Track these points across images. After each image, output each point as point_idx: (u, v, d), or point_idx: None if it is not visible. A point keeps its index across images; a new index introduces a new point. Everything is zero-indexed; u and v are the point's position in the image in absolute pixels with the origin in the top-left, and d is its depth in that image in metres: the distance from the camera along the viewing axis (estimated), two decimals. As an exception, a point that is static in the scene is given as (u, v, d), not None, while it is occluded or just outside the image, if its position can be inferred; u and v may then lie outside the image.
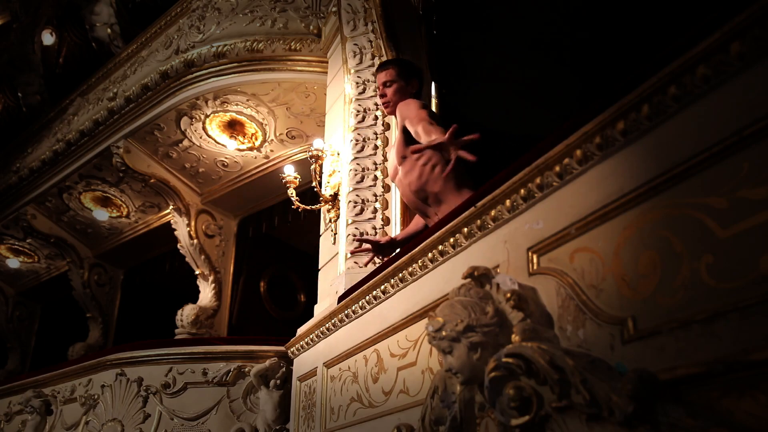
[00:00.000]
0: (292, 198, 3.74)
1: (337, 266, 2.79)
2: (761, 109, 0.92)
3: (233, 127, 4.64)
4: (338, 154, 3.29)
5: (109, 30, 5.97)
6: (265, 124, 4.59)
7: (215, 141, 4.78)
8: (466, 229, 1.56)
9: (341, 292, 2.36)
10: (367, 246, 2.38)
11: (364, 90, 3.08)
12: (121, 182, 5.40)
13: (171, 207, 5.24)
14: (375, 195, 2.81)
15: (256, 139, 4.74)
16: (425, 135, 1.97)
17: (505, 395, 1.15)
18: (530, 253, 1.34)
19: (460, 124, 1.79)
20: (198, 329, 4.83)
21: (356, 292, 2.12)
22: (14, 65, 6.67)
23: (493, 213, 1.47)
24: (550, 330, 1.22)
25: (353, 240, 2.57)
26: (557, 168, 1.27)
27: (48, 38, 6.43)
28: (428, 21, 3.37)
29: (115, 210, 5.86)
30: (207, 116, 4.54)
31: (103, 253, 6.47)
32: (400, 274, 1.86)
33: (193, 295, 5.18)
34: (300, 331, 2.72)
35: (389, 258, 1.97)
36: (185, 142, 4.83)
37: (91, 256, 6.47)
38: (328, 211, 3.32)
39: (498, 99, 4.09)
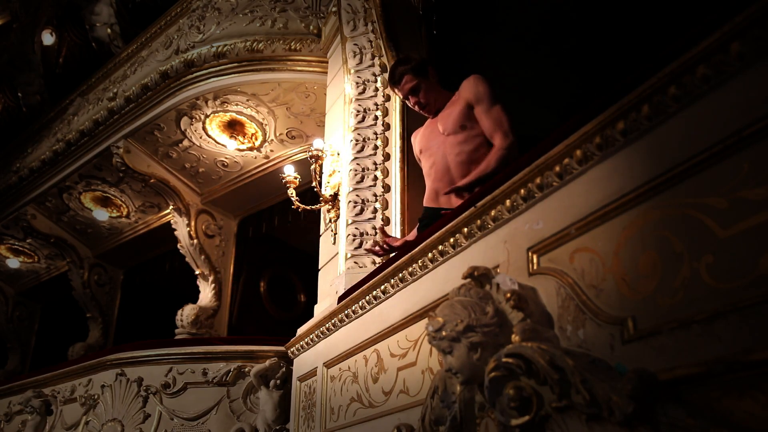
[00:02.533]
0: (292, 198, 3.74)
1: (337, 266, 2.79)
2: (761, 109, 0.92)
3: (233, 127, 4.64)
4: (338, 154, 3.29)
5: (109, 30, 5.97)
6: (265, 124, 4.59)
7: (215, 141, 4.78)
8: (466, 229, 1.56)
9: (341, 292, 2.36)
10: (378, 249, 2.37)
11: (364, 90, 3.08)
12: (121, 182, 5.40)
13: (171, 207, 5.24)
14: (375, 195, 2.81)
15: (256, 139, 4.74)
16: (501, 122, 2.19)
17: (505, 395, 1.15)
18: (530, 253, 1.34)
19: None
20: (198, 329, 4.82)
21: (356, 292, 2.12)
22: (14, 65, 6.66)
23: (493, 213, 1.47)
24: (550, 330, 1.22)
25: (372, 246, 2.47)
26: (557, 168, 1.27)
27: (48, 38, 6.43)
28: (428, 21, 3.37)
29: (115, 210, 5.86)
30: (207, 116, 4.54)
31: (103, 253, 6.47)
32: (400, 274, 1.86)
33: (193, 295, 5.17)
34: (300, 331, 2.71)
35: (389, 258, 1.97)
36: (185, 142, 4.83)
37: (91, 256, 6.47)
38: (328, 211, 3.32)
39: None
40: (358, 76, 3.12)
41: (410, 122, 3.08)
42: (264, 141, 4.76)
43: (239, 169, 5.13)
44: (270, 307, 5.41)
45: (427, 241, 1.71)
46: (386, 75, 3.11)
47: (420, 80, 2.38)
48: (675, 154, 1.04)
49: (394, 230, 2.72)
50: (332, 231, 3.22)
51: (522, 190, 1.37)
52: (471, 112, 2.25)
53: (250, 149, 4.85)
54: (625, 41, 3.64)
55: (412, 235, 2.41)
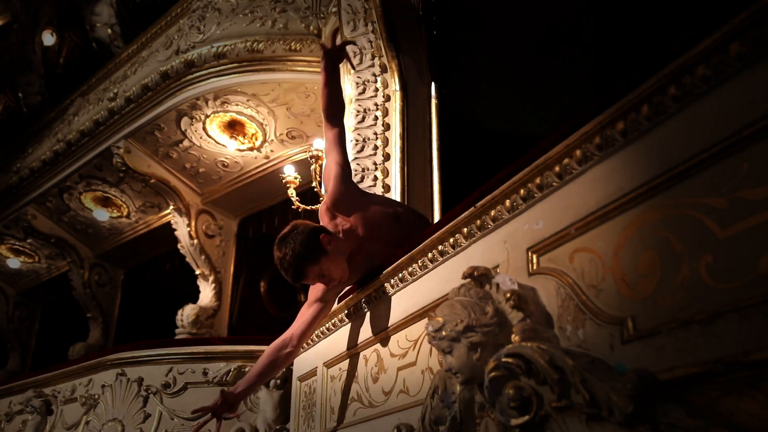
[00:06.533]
0: (292, 198, 3.74)
1: (337, 266, 2.78)
2: (761, 109, 0.92)
3: (233, 127, 4.64)
4: (338, 154, 3.29)
5: (109, 30, 5.98)
6: (266, 125, 4.60)
7: (215, 141, 4.78)
8: (465, 229, 1.56)
9: (341, 292, 2.36)
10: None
11: (364, 90, 3.09)
12: (122, 182, 5.41)
13: (171, 207, 5.25)
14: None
15: (256, 139, 4.75)
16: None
17: (504, 395, 1.15)
18: (530, 253, 1.34)
19: (460, 125, 1.79)
20: (198, 329, 4.83)
21: (356, 292, 2.12)
22: (15, 65, 6.67)
23: (492, 213, 1.47)
24: (549, 330, 1.22)
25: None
26: (557, 168, 1.27)
27: (48, 38, 6.44)
28: (428, 21, 3.37)
29: (116, 210, 5.86)
30: (207, 116, 4.55)
31: (103, 253, 6.48)
32: (400, 274, 1.86)
33: (193, 295, 5.18)
34: (300, 331, 2.71)
35: (389, 258, 1.97)
36: (185, 143, 4.83)
37: (91, 256, 6.48)
38: (329, 211, 3.32)
39: (498, 99, 4.09)
40: (358, 77, 3.12)
41: (410, 122, 3.09)
42: (264, 141, 4.76)
43: (239, 170, 5.13)
44: (270, 307, 5.41)
45: (427, 241, 1.71)
46: (386, 75, 3.12)
47: (322, 262, 1.93)
48: (675, 154, 1.04)
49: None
50: (332, 231, 3.21)
51: (522, 190, 1.37)
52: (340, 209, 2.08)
53: (251, 149, 4.85)
54: (626, 41, 3.65)
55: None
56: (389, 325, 1.92)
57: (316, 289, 2.14)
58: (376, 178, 2.87)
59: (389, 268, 1.90)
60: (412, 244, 1.80)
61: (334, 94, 2.15)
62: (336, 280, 2.01)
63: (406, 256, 1.81)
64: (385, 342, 1.96)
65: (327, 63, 2.14)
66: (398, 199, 2.86)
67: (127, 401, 3.32)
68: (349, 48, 3.21)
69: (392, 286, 1.92)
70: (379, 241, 2.07)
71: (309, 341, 2.58)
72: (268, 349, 2.15)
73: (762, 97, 0.92)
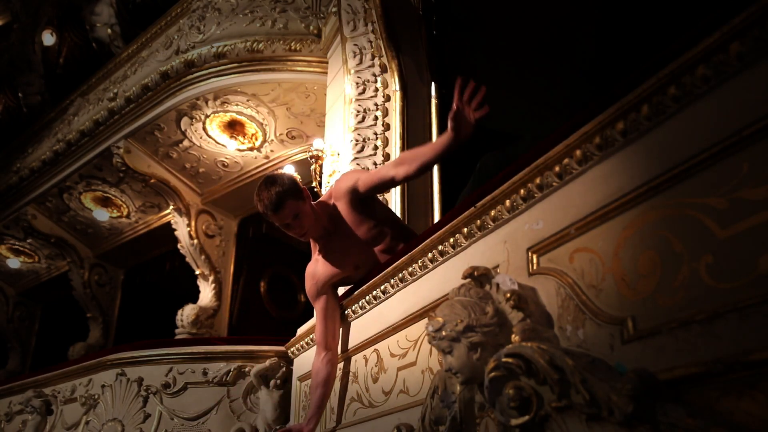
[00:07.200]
0: (292, 198, 3.73)
1: (337, 266, 2.78)
2: (761, 109, 0.92)
3: (233, 127, 4.64)
4: (338, 154, 3.30)
5: (109, 30, 5.98)
6: (265, 125, 4.60)
7: (215, 141, 4.78)
8: (466, 229, 1.56)
9: (341, 292, 2.36)
10: None
11: (364, 90, 3.09)
12: (122, 182, 5.41)
13: (171, 207, 5.25)
14: (375, 195, 2.81)
15: (256, 139, 4.75)
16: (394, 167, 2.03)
17: (504, 395, 1.15)
18: (530, 253, 1.34)
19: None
20: (198, 329, 4.83)
21: (356, 292, 2.12)
22: (15, 65, 6.67)
23: (492, 213, 1.47)
24: (549, 330, 1.22)
25: None
26: (557, 168, 1.28)
27: (48, 38, 6.44)
28: (428, 21, 3.38)
29: (116, 210, 5.86)
30: (207, 116, 4.55)
31: (103, 253, 6.48)
32: (400, 274, 1.86)
33: (193, 295, 5.18)
34: (300, 331, 2.71)
35: (390, 257, 1.97)
36: (185, 143, 4.83)
37: (91, 256, 6.48)
38: (329, 211, 3.32)
39: (498, 99, 4.09)
40: (358, 77, 3.12)
41: (410, 122, 3.09)
42: (264, 141, 4.76)
43: (239, 169, 5.13)
44: (270, 307, 5.41)
45: (427, 241, 1.71)
46: (386, 75, 3.12)
47: (300, 203, 2.07)
48: (674, 154, 1.04)
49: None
50: (332, 231, 3.21)
51: (522, 190, 1.37)
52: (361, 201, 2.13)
53: (251, 149, 4.85)
54: (626, 41, 3.65)
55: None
56: (389, 325, 1.92)
57: (311, 291, 2.27)
58: (376, 178, 2.87)
59: (389, 268, 1.90)
60: (413, 243, 1.81)
61: (432, 161, 1.97)
62: (303, 229, 2.13)
63: (406, 256, 1.81)
64: (384, 342, 1.96)
65: (454, 137, 1.81)
66: (398, 200, 2.86)
67: (127, 401, 3.32)
68: (348, 47, 3.22)
69: (392, 286, 1.92)
70: (351, 239, 2.17)
71: (309, 341, 2.58)
72: (312, 368, 2.27)
73: (762, 97, 0.92)
